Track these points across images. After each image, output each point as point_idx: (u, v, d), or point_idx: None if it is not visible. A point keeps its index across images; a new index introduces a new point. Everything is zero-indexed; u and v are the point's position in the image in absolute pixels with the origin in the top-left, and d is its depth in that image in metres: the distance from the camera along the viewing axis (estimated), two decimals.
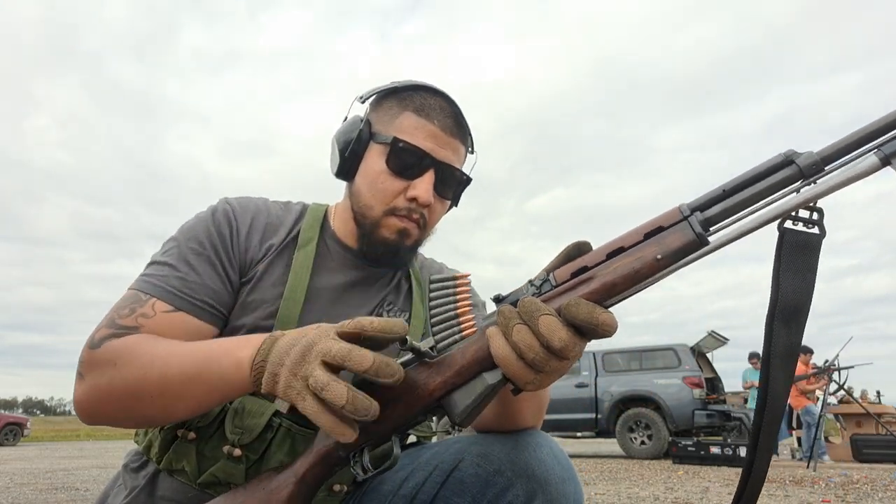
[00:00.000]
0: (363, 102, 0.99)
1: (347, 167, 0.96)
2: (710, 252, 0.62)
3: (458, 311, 0.68)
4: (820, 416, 7.44)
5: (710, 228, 0.62)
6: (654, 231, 0.62)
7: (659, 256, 0.61)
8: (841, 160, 0.58)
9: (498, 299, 0.67)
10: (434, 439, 1.01)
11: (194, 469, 0.83)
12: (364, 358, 0.61)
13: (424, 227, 0.96)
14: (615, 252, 0.63)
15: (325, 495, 0.86)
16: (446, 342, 0.67)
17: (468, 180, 1.00)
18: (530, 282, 0.67)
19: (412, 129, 0.92)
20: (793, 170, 0.59)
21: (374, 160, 0.93)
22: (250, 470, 0.83)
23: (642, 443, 9.03)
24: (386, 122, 0.94)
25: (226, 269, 0.89)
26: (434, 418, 0.99)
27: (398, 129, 0.92)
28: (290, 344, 0.65)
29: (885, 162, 0.55)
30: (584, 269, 0.64)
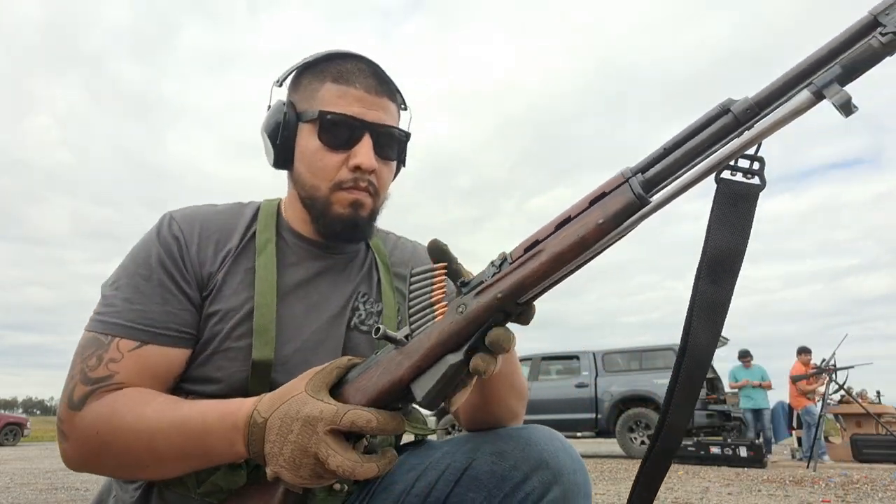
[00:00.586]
0: (280, 86, 0.96)
1: (283, 155, 0.93)
2: (653, 212, 0.60)
3: (433, 299, 0.70)
4: (820, 416, 7.44)
5: (654, 189, 0.60)
6: (598, 197, 0.62)
7: (601, 221, 0.60)
8: (776, 103, 0.56)
9: (463, 283, 0.68)
10: (432, 438, 1.01)
11: (193, 480, 0.82)
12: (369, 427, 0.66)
13: (376, 195, 0.93)
14: (563, 223, 0.64)
15: (324, 495, 0.86)
16: (420, 330, 0.69)
17: (407, 136, 0.97)
18: (492, 263, 0.68)
19: (336, 98, 0.89)
20: (729, 118, 0.57)
21: (307, 140, 0.90)
22: (251, 476, 0.82)
23: (642, 443, 9.03)
24: (308, 99, 0.92)
25: (182, 288, 0.85)
26: (434, 417, 1.00)
27: (322, 103, 0.89)
28: (279, 439, 0.68)
29: (818, 96, 0.53)
30: (536, 243, 0.64)
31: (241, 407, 0.72)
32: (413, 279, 0.71)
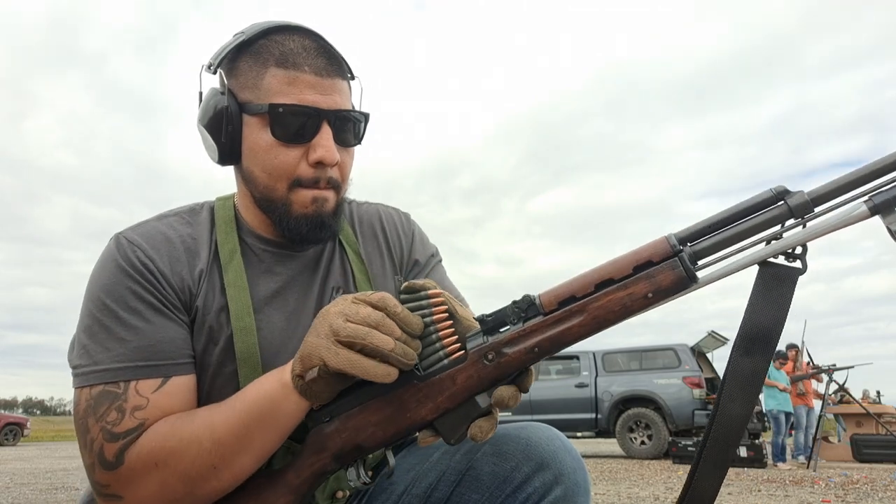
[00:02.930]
0: (214, 72, 0.85)
1: (229, 152, 0.84)
2: (698, 289, 0.63)
3: (438, 327, 0.68)
4: (820, 417, 7.45)
5: (699, 262, 0.63)
6: (643, 265, 0.63)
7: (650, 295, 0.62)
8: (830, 203, 0.59)
9: (482, 320, 0.67)
10: None
11: None
12: (385, 341, 0.64)
13: (339, 187, 0.86)
14: (604, 283, 0.64)
15: (327, 503, 0.86)
16: (432, 365, 0.67)
17: (366, 117, 0.87)
18: (515, 303, 0.67)
19: (285, 85, 0.79)
20: (783, 209, 0.60)
21: (257, 135, 0.81)
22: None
23: (642, 443, 9.04)
24: (251, 86, 0.81)
25: (174, 313, 0.79)
26: None
27: (270, 92, 0.79)
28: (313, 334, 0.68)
29: (873, 212, 0.57)
30: (573, 299, 0.64)
31: (280, 375, 0.71)
32: (403, 297, 0.69)
